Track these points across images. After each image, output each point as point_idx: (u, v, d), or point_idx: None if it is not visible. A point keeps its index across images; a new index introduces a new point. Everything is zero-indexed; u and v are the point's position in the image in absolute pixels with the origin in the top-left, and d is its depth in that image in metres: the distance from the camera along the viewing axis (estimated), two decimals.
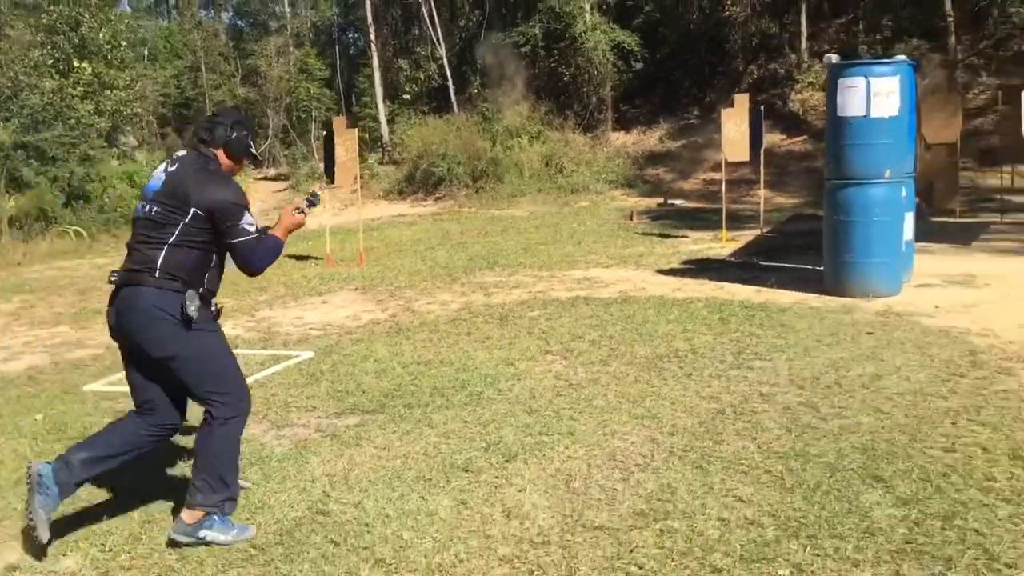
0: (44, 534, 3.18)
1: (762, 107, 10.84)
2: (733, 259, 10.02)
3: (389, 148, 23.50)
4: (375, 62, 22.73)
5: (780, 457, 3.95)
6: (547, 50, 21.88)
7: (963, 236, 10.44)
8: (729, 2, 19.64)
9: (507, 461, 4.03)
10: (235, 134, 3.49)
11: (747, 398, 4.83)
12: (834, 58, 7.51)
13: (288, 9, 31.62)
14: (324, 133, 12.05)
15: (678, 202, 16.25)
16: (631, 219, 14.21)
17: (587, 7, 20.89)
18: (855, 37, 20.25)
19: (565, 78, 21.56)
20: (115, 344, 3.50)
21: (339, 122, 11.68)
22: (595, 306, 7.49)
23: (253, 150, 3.60)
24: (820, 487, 3.58)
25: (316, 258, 11.63)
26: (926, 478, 3.64)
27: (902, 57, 7.56)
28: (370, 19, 22.54)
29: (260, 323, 7.63)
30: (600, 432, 4.40)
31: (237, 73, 30.87)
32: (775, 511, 3.40)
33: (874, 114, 7.14)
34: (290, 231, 3.56)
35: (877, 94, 7.13)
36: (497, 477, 3.86)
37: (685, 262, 9.85)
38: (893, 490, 3.53)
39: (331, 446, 4.37)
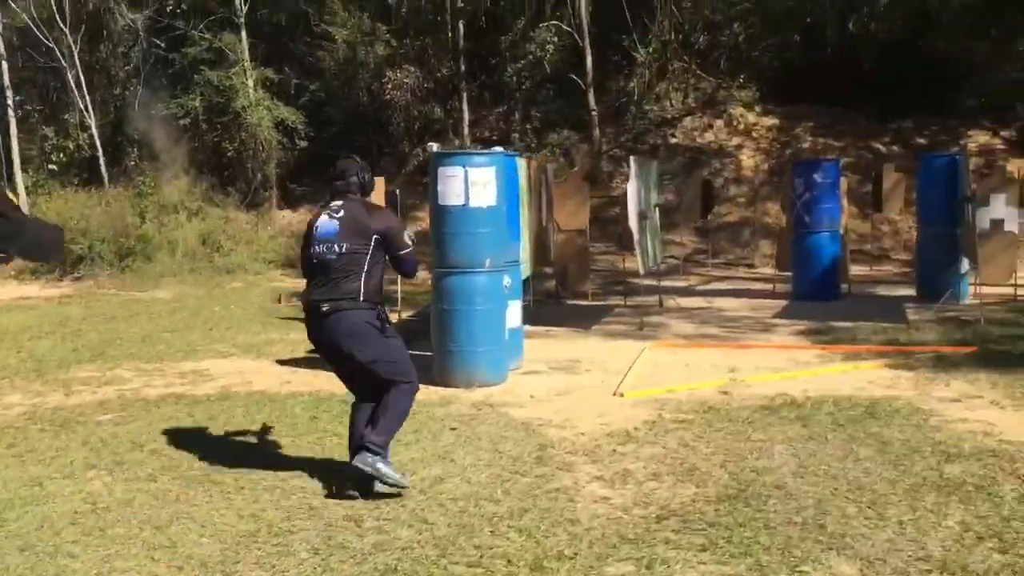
0: (405, 480, 4.61)
1: (398, 191, 10.85)
2: None
3: None
4: (12, 128, 20.61)
5: None
6: (209, 123, 20.96)
7: (585, 319, 10.87)
8: (391, 87, 19.87)
9: None
10: (366, 177, 4.67)
11: (292, 514, 4.39)
12: (434, 147, 7.51)
13: None
14: None
15: None
16: (279, 302, 13.61)
17: (249, 83, 20.28)
18: (512, 126, 21.22)
19: (229, 153, 20.71)
20: None
21: None
22: (183, 405, 6.81)
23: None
24: None
25: None
26: None
27: (499, 149, 7.70)
28: (6, 81, 20.47)
29: None
30: (97, 571, 3.75)
31: None
32: None
33: (472, 204, 7.15)
34: None
35: (475, 183, 7.16)
36: None
37: (311, 350, 9.40)
38: None
39: None
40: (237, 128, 20.32)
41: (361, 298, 4.41)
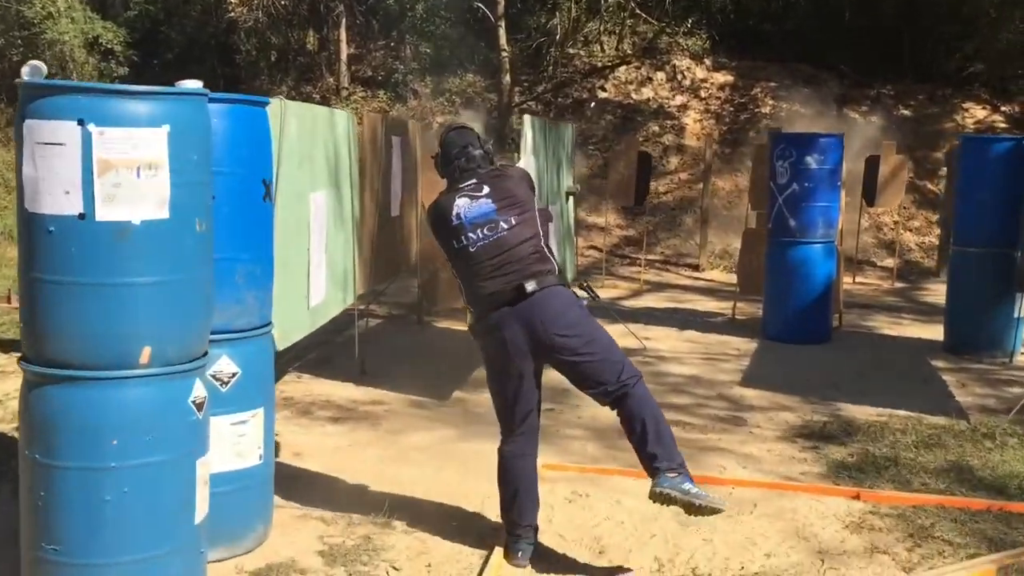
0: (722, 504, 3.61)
1: None
2: None
3: None
4: None
5: None
6: (6, 38, 16.05)
7: (446, 374, 6.78)
8: (235, 1, 15.16)
9: None
10: (489, 145, 3.96)
11: None
12: (31, 70, 3.20)
13: None
14: None
15: None
16: (8, 300, 9.16)
17: None
18: (407, 65, 16.79)
19: None
20: None
21: None
22: None
23: None
24: None
25: None
26: None
27: (192, 83, 3.40)
28: None
29: None
30: None
31: None
32: None
33: (106, 215, 2.94)
34: None
35: (116, 166, 2.94)
36: None
37: None
38: None
39: None
40: (37, 46, 15.47)
41: (556, 272, 3.72)
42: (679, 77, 16.61)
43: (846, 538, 4.16)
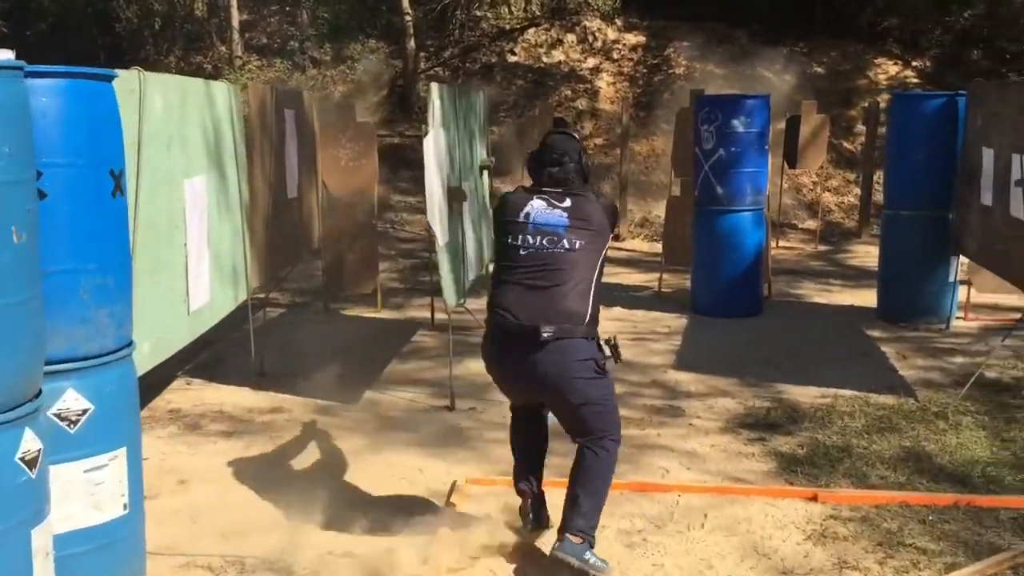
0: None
1: None
2: None
3: None
4: None
5: None
6: None
7: (356, 372, 6.14)
8: None
9: None
10: (587, 162, 3.62)
11: None
12: None
13: None
14: None
15: None
16: None
17: None
18: (303, 32, 15.82)
19: None
20: None
21: None
22: None
23: None
24: None
25: None
26: None
27: None
28: None
29: None
30: None
31: None
32: None
33: None
34: None
35: None
36: None
37: None
38: None
39: None
40: None
41: (586, 321, 3.39)
42: (590, 39, 16.06)
43: (810, 552, 3.70)
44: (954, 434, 4.97)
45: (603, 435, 3.45)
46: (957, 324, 7.41)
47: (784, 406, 5.49)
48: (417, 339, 7.17)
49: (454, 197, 5.38)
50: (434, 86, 5.01)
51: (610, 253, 11.06)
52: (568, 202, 3.48)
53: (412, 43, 15.09)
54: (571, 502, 3.42)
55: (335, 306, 8.14)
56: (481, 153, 6.94)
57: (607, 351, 3.47)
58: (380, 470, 4.53)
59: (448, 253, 5.28)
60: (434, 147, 5.02)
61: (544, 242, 3.43)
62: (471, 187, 6.38)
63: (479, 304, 8.01)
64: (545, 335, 3.32)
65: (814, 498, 4.20)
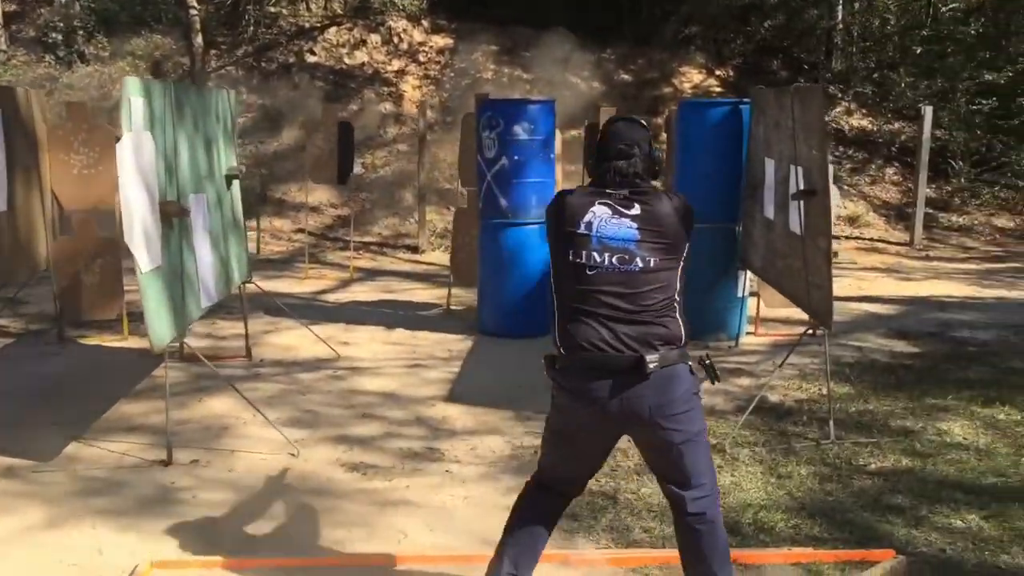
0: None
1: None
2: None
3: None
4: None
5: None
6: None
7: (66, 422, 5.18)
8: None
9: None
10: (656, 152, 3.09)
11: None
12: None
13: None
14: None
15: None
16: None
17: None
18: (73, 22, 14.36)
19: None
20: None
21: None
22: None
23: None
24: None
25: None
26: None
27: None
28: None
29: None
30: None
31: None
32: None
33: None
34: None
35: None
36: None
37: None
38: None
39: None
40: None
41: (683, 342, 2.93)
42: (395, 40, 15.37)
43: None
44: (729, 471, 4.55)
45: (702, 485, 3.01)
46: (747, 340, 7.16)
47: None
48: (159, 372, 6.24)
49: (169, 213, 4.55)
50: (128, 81, 4.17)
51: (404, 267, 10.39)
52: (637, 208, 2.94)
53: (200, 39, 13.95)
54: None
55: (74, 334, 7.10)
56: (229, 161, 6.10)
57: (702, 371, 3.03)
58: (49, 555, 3.65)
59: (158, 280, 4.43)
60: (132, 155, 4.18)
61: (614, 260, 2.91)
62: (211, 199, 5.54)
63: (220, 330, 7.16)
64: (651, 364, 2.84)
65: (565, 561, 3.65)
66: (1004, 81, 14.26)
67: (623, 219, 2.93)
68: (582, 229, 2.94)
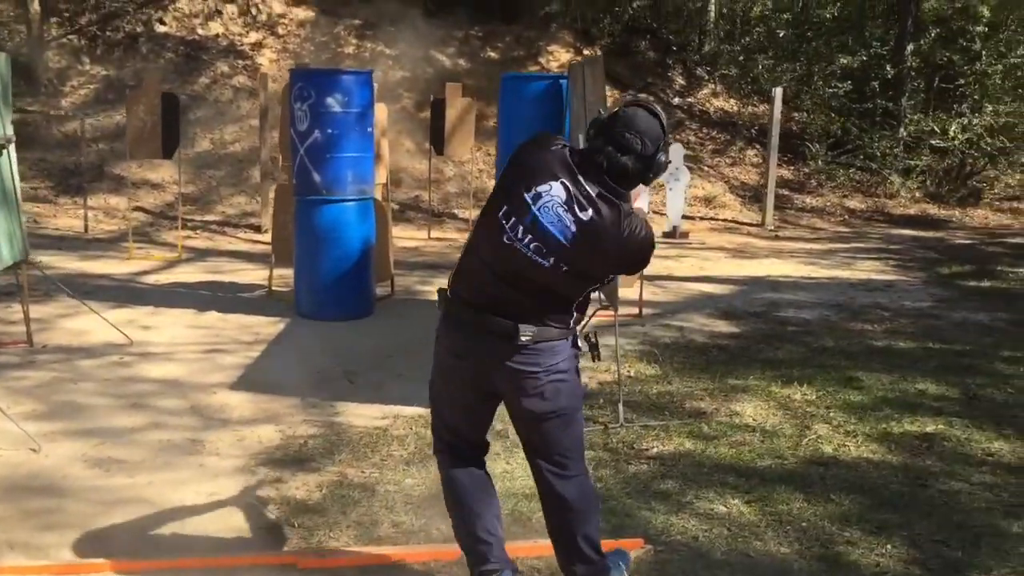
0: None
1: None
2: None
3: None
4: None
5: None
6: None
7: None
8: None
9: None
10: (662, 157, 2.74)
11: None
12: None
13: None
14: None
15: None
16: None
17: None
18: None
19: None
20: None
21: None
22: None
23: None
24: None
25: None
26: None
27: None
28: None
29: None
30: None
31: None
32: None
33: None
34: None
35: None
36: None
37: None
38: None
39: None
40: None
41: (572, 323, 2.79)
42: (253, 11, 14.77)
43: None
44: (504, 459, 4.33)
45: (569, 462, 2.91)
46: None
47: (331, 433, 4.66)
48: None
49: None
50: None
51: (242, 247, 9.88)
52: (589, 214, 2.64)
53: (36, 5, 13.10)
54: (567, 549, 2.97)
55: None
56: (2, 129, 5.59)
57: (583, 347, 2.87)
58: None
59: None
60: None
61: (531, 246, 2.67)
62: None
63: (14, 314, 6.62)
64: (523, 337, 2.71)
65: (294, 564, 3.36)
66: (857, 65, 14.52)
67: (568, 215, 2.66)
68: (528, 195, 2.69)
